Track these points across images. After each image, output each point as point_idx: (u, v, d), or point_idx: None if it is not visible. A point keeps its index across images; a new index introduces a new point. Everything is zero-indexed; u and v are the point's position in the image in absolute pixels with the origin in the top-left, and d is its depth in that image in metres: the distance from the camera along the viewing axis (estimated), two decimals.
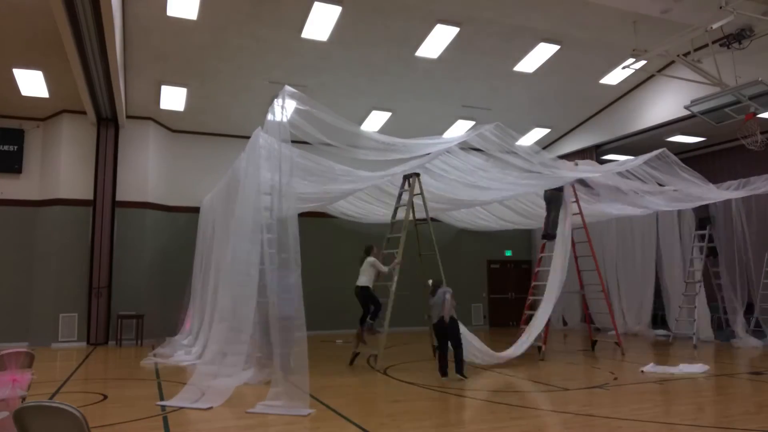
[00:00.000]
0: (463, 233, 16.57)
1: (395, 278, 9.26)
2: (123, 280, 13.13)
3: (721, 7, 8.62)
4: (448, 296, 8.15)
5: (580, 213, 11.16)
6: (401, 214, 10.25)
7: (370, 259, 9.49)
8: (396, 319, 15.64)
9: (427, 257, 10.42)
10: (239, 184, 8.45)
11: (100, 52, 9.24)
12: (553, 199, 10.96)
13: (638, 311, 14.99)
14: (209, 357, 8.28)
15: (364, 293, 9.43)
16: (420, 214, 10.43)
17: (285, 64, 11.95)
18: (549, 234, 11.01)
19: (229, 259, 8.75)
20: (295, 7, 10.14)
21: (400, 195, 10.40)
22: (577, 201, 11.10)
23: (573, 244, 11.24)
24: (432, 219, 15.49)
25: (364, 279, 9.41)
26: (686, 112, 11.00)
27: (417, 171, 9.74)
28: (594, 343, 11.75)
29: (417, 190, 9.98)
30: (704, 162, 15.29)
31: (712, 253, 13.27)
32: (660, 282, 14.64)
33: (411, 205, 9.97)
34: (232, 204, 9.28)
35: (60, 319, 12.60)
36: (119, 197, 13.33)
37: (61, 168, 13.14)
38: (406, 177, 9.97)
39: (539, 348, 10.16)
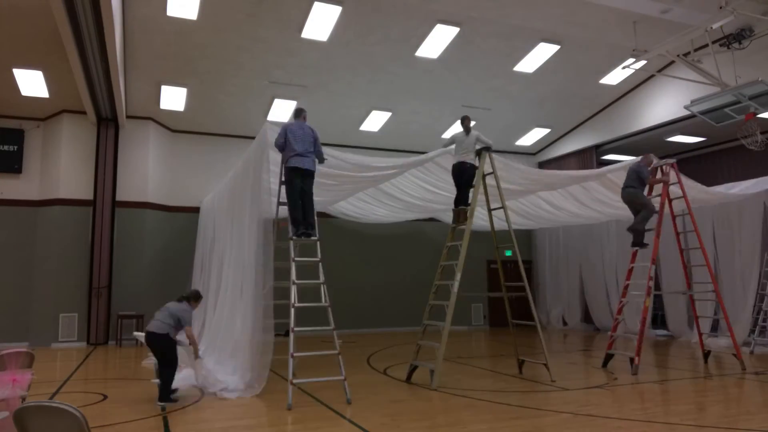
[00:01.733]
0: None
1: (458, 276, 7.96)
2: (123, 280, 13.13)
3: (721, 7, 8.63)
4: None
5: (685, 197, 9.63)
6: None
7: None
8: (396, 319, 15.75)
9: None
10: (245, 183, 8.24)
11: (100, 52, 9.25)
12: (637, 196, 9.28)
13: (638, 311, 14.97)
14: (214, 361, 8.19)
15: None
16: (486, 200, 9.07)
17: (285, 64, 11.95)
18: (638, 242, 9.41)
19: (233, 262, 8.67)
20: (295, 7, 10.14)
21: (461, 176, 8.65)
22: (680, 183, 9.61)
23: (677, 234, 9.97)
24: (432, 219, 15.61)
25: None
26: (686, 112, 11.01)
27: (489, 144, 8.45)
28: (707, 354, 9.93)
29: (488, 168, 8.49)
30: (704, 162, 15.31)
31: None
32: (659, 282, 14.63)
33: (483, 186, 8.58)
34: (237, 204, 9.15)
35: (60, 319, 12.61)
36: (119, 197, 13.34)
37: (61, 168, 13.14)
38: (477, 152, 8.45)
39: (631, 360, 8.74)
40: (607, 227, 15.69)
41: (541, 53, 12.11)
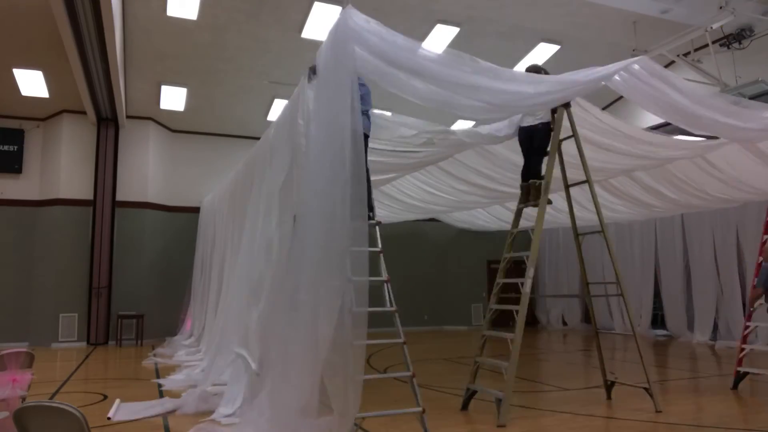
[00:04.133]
0: (463, 233, 16.57)
1: (531, 273, 6.47)
2: (123, 280, 13.13)
3: (721, 7, 8.64)
4: None
5: None
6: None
7: None
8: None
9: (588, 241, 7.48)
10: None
11: (100, 52, 9.25)
12: None
13: (638, 311, 15.00)
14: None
15: None
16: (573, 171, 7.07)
17: (285, 64, 11.95)
18: None
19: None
20: (295, 7, 10.14)
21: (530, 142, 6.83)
22: None
23: None
24: (431, 219, 15.60)
25: None
26: None
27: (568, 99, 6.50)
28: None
29: (567, 130, 6.66)
30: None
31: None
32: (659, 283, 14.65)
33: (559, 152, 6.63)
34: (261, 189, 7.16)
35: (60, 319, 12.60)
36: (119, 197, 13.34)
37: (61, 168, 13.14)
38: (553, 111, 6.74)
39: None
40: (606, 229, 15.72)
41: (541, 53, 12.10)
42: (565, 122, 6.59)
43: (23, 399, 4.14)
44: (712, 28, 9.13)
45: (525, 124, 6.82)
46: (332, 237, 4.68)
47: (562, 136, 6.63)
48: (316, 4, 10.00)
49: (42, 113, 13.26)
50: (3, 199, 13.01)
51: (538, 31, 11.22)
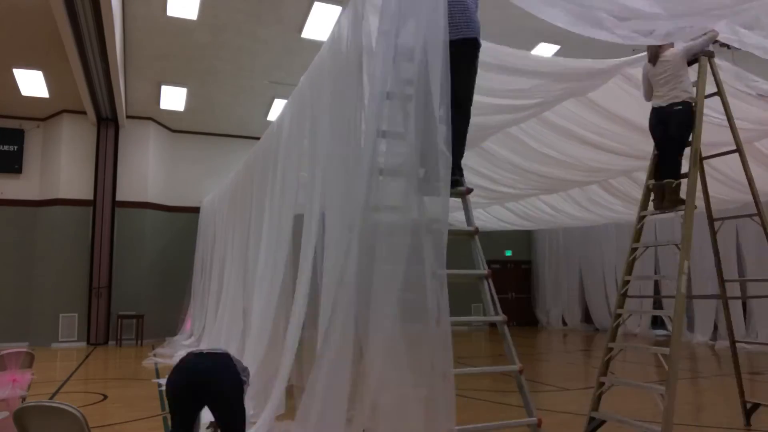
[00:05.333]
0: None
1: (686, 267, 4.75)
2: (123, 280, 13.13)
3: None
4: None
5: None
6: None
7: None
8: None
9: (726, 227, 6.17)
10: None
11: (100, 52, 9.26)
12: None
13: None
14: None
15: None
16: (714, 135, 5.69)
17: (285, 64, 11.95)
18: None
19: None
20: (295, 7, 10.13)
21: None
22: None
23: None
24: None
25: None
26: None
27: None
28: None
29: (710, 87, 5.37)
30: None
31: None
32: (659, 283, 14.63)
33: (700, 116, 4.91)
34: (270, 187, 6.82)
35: (60, 319, 12.60)
36: (119, 197, 13.35)
37: (61, 168, 13.14)
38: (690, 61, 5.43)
39: None
40: (606, 229, 15.73)
41: (541, 53, 12.09)
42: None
43: (23, 399, 4.14)
44: None
45: (656, 104, 5.29)
46: (399, 209, 3.27)
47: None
48: (316, 4, 9.99)
49: (42, 113, 13.26)
50: (3, 199, 13.01)
51: (538, 31, 11.21)
